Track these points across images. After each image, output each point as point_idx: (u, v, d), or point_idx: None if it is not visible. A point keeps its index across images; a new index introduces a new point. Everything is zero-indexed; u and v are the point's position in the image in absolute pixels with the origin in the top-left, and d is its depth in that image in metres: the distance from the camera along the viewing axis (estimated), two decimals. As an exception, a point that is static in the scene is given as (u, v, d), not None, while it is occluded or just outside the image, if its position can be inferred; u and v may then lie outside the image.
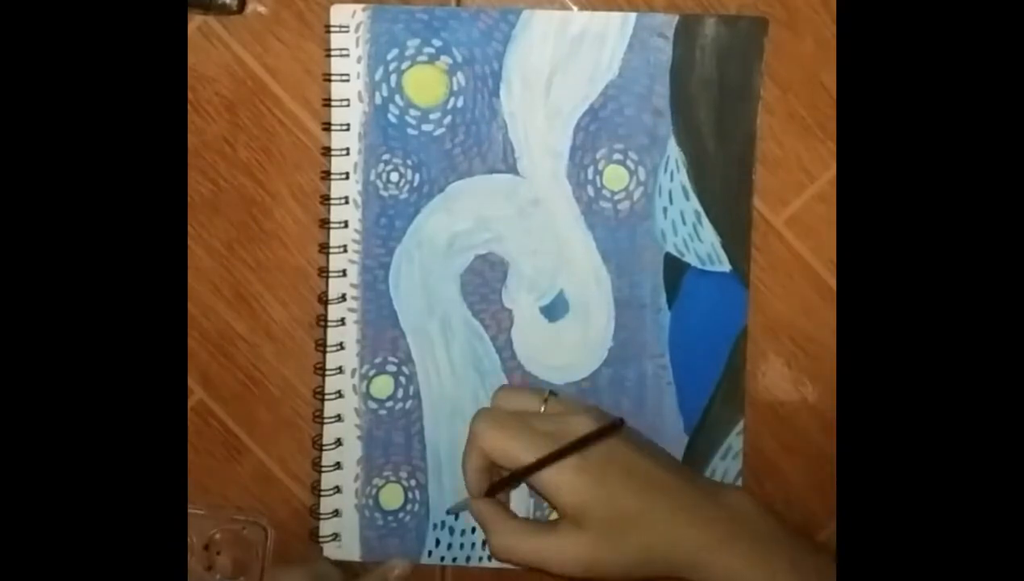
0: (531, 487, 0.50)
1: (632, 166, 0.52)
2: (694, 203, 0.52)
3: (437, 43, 0.52)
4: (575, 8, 0.52)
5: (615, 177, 0.52)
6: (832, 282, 0.52)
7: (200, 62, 0.52)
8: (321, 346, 0.52)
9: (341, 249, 0.52)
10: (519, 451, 0.47)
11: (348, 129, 0.52)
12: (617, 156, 0.52)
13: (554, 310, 0.53)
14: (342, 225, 0.52)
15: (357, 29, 0.51)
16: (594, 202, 0.52)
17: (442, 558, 0.53)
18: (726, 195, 0.52)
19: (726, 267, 0.52)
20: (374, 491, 0.53)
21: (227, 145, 0.52)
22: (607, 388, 0.52)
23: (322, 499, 0.53)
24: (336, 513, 0.53)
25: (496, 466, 0.49)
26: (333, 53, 0.52)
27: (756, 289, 0.52)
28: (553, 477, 0.46)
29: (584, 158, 0.52)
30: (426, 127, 0.52)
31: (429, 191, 0.52)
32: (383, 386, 0.53)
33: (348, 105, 0.52)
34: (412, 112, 0.52)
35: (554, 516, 0.50)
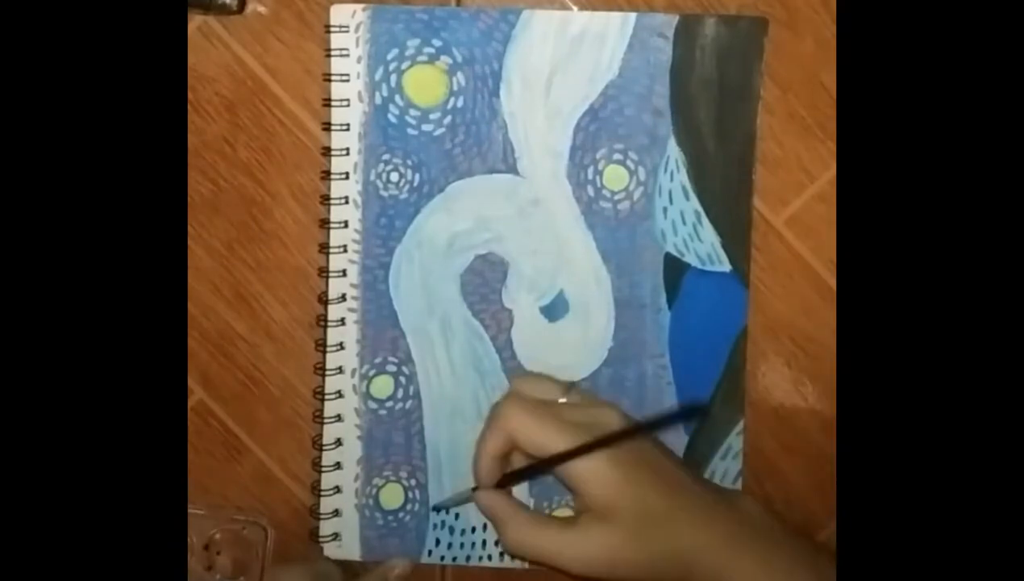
0: (557, 477, 0.48)
1: (632, 166, 0.52)
2: (694, 203, 0.52)
3: (437, 43, 0.52)
4: (575, 8, 0.52)
5: (615, 177, 0.52)
6: (832, 282, 0.52)
7: (200, 62, 0.52)
8: (321, 346, 0.52)
9: (341, 249, 0.52)
10: (551, 438, 0.46)
11: (348, 129, 0.52)
12: (617, 156, 0.52)
13: (554, 310, 0.53)
14: (342, 225, 0.52)
15: (357, 29, 0.51)
16: (594, 202, 0.52)
17: (442, 557, 0.53)
18: (726, 195, 0.52)
19: (726, 267, 0.52)
20: (374, 491, 0.53)
21: (227, 145, 0.52)
22: (607, 388, 0.52)
23: (322, 499, 0.53)
24: (336, 513, 0.53)
25: (509, 457, 0.48)
26: (333, 53, 0.52)
27: (756, 289, 0.52)
28: (586, 468, 0.45)
29: (584, 158, 0.52)
30: (426, 127, 0.52)
31: (429, 191, 0.52)
32: (383, 386, 0.53)
33: (348, 105, 0.52)
34: (412, 112, 0.52)
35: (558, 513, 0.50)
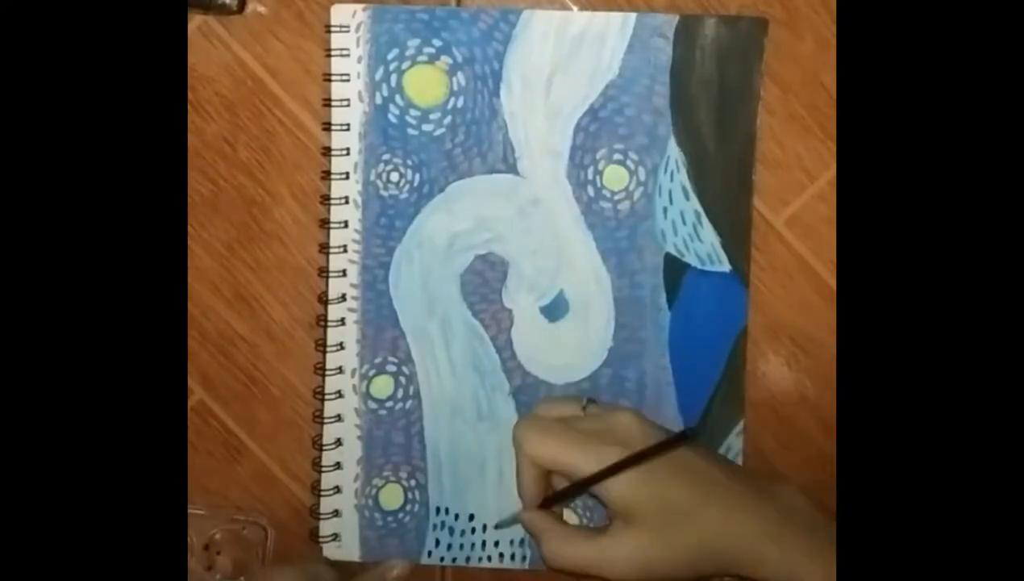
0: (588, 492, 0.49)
1: (632, 166, 0.52)
2: (694, 203, 0.52)
3: (437, 43, 0.52)
4: (575, 8, 0.52)
5: (615, 177, 0.52)
6: (832, 282, 0.52)
7: (200, 62, 0.52)
8: (321, 346, 0.52)
9: (341, 249, 0.52)
10: (568, 455, 0.47)
11: (348, 129, 0.52)
12: (617, 156, 0.52)
13: (554, 310, 0.53)
14: (342, 225, 0.52)
15: (357, 29, 0.52)
16: (594, 202, 0.52)
17: (442, 558, 0.53)
18: (726, 195, 0.52)
19: (726, 267, 0.52)
20: (374, 491, 0.53)
21: (227, 145, 0.52)
22: (607, 388, 0.52)
23: (322, 499, 0.53)
24: (336, 513, 0.53)
25: (549, 476, 0.49)
26: (333, 53, 0.52)
27: (756, 289, 0.52)
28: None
29: (584, 158, 0.52)
30: (426, 127, 0.52)
31: (429, 191, 0.52)
32: (383, 386, 0.53)
33: (348, 105, 0.52)
34: (412, 112, 0.52)
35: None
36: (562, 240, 0.52)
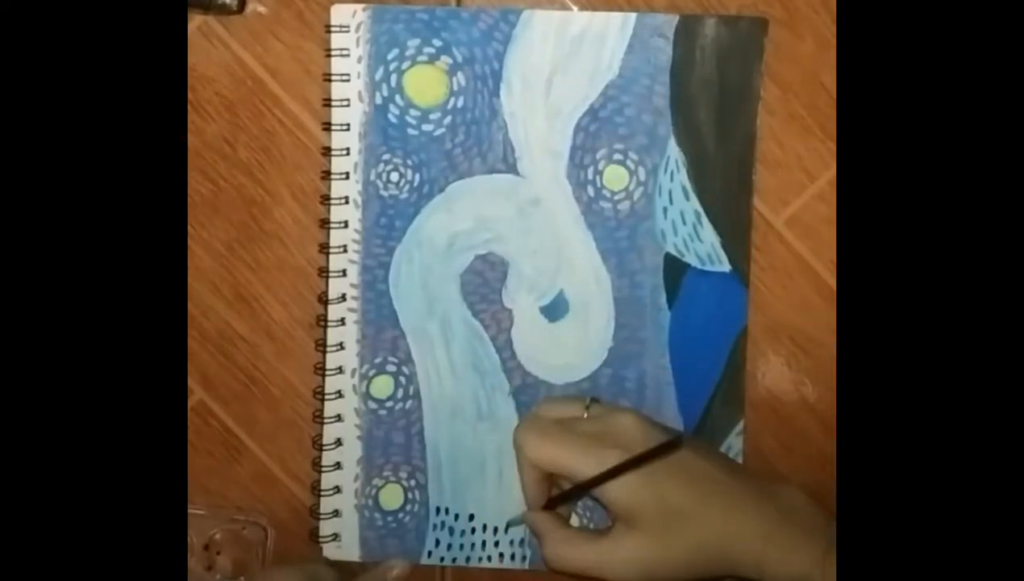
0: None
1: (632, 166, 0.52)
2: (694, 203, 0.52)
3: (437, 43, 0.52)
4: (575, 8, 0.52)
5: (615, 177, 0.52)
6: (832, 282, 0.52)
7: (200, 62, 0.52)
8: (321, 346, 0.52)
9: (341, 249, 0.52)
10: (567, 458, 0.47)
11: (348, 129, 0.52)
12: (617, 156, 0.52)
13: (554, 310, 0.53)
14: (342, 225, 0.52)
15: (357, 29, 0.52)
16: (594, 202, 0.52)
17: (441, 559, 0.53)
18: (726, 195, 0.52)
19: (726, 267, 0.52)
20: (374, 491, 0.53)
21: (227, 145, 0.52)
22: (607, 388, 0.52)
23: (322, 499, 0.53)
24: (336, 513, 0.53)
25: (552, 477, 0.49)
26: (333, 53, 0.52)
27: (756, 289, 0.52)
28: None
29: (584, 158, 0.52)
30: (426, 127, 0.52)
31: (429, 191, 0.52)
32: (383, 386, 0.53)
33: (348, 105, 0.52)
34: (412, 112, 0.52)
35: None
36: (562, 240, 0.52)
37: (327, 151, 0.52)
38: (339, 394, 0.52)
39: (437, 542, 0.53)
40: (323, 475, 0.52)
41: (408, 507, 0.53)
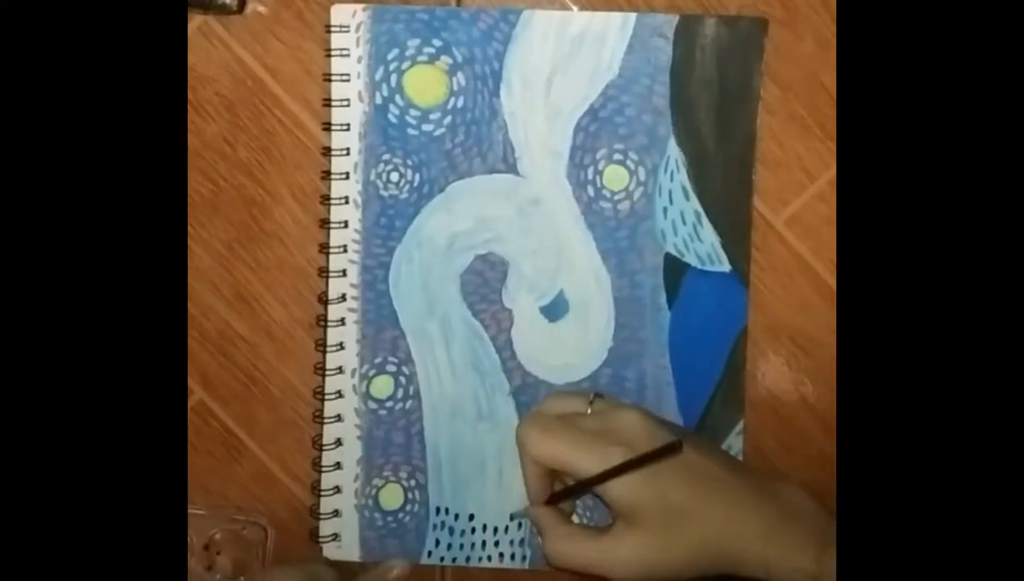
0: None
1: (632, 166, 0.52)
2: (694, 203, 0.52)
3: (437, 43, 0.52)
4: (575, 8, 0.52)
5: (615, 177, 0.52)
6: (832, 282, 0.52)
7: (200, 62, 0.52)
8: (321, 346, 0.52)
9: (341, 249, 0.52)
10: (570, 455, 0.47)
11: (348, 129, 0.52)
12: (617, 156, 0.52)
13: (554, 310, 0.53)
14: (342, 225, 0.52)
15: (357, 29, 0.52)
16: (594, 202, 0.52)
17: (441, 558, 0.53)
18: (726, 195, 0.52)
19: (726, 267, 0.52)
20: (374, 491, 0.53)
21: (227, 145, 0.52)
22: (607, 388, 0.52)
23: (322, 499, 0.53)
24: (336, 513, 0.53)
25: (555, 473, 0.49)
26: (333, 53, 0.52)
27: (756, 289, 0.52)
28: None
29: (584, 158, 0.52)
30: (426, 127, 0.52)
31: (429, 191, 0.52)
32: (383, 386, 0.53)
33: (348, 105, 0.52)
34: (412, 112, 0.52)
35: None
36: (562, 240, 0.52)
37: (327, 151, 0.52)
38: (339, 394, 0.52)
39: (437, 542, 0.53)
40: (323, 475, 0.52)
41: (408, 507, 0.53)
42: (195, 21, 0.52)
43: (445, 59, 0.52)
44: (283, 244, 0.53)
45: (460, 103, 0.52)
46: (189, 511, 0.52)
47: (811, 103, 0.52)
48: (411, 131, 0.52)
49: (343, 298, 0.52)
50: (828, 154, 0.52)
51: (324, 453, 0.53)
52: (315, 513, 0.53)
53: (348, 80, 0.52)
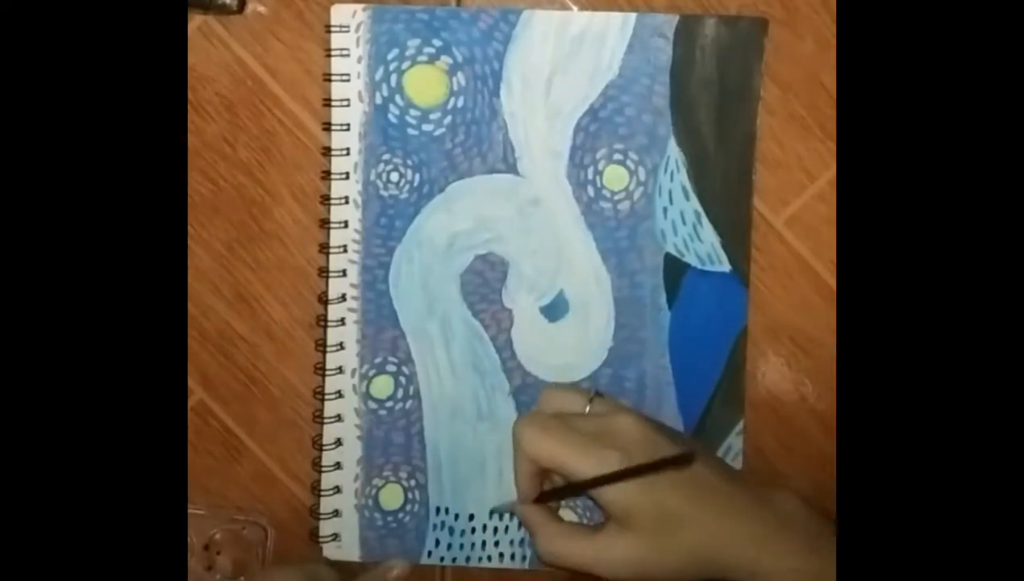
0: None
1: (632, 166, 0.52)
2: (694, 203, 0.52)
3: (437, 43, 0.52)
4: (575, 8, 0.52)
5: (615, 177, 0.52)
6: (832, 282, 0.52)
7: (200, 62, 0.52)
8: (321, 346, 0.52)
9: (341, 249, 0.52)
10: (566, 456, 0.47)
11: (348, 129, 0.52)
12: (617, 156, 0.52)
13: (554, 310, 0.53)
14: (342, 225, 0.52)
15: (357, 29, 0.52)
16: (594, 202, 0.52)
17: (442, 558, 0.53)
18: (726, 195, 0.52)
19: (726, 267, 0.52)
20: (374, 491, 0.53)
21: (227, 145, 0.52)
22: (607, 388, 0.52)
23: (322, 499, 0.53)
24: (336, 513, 0.53)
25: (547, 472, 0.49)
26: (333, 53, 0.52)
27: (756, 289, 0.52)
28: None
29: (584, 158, 0.52)
30: (426, 127, 0.52)
31: (429, 191, 0.52)
32: (383, 386, 0.53)
33: (348, 105, 0.52)
34: (412, 112, 0.52)
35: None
36: (562, 240, 0.52)
37: (327, 151, 0.52)
38: (339, 394, 0.52)
39: (437, 542, 0.53)
40: (323, 475, 0.52)
41: (408, 507, 0.53)
42: (195, 21, 0.52)
43: (445, 59, 0.52)
44: (283, 244, 0.53)
45: (460, 103, 0.52)
46: (189, 511, 0.52)
47: (811, 103, 0.52)
48: (411, 131, 0.52)
49: (343, 298, 0.52)
50: (828, 154, 0.52)
51: (324, 453, 0.53)
52: (315, 513, 0.53)
53: (348, 80, 0.52)
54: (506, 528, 0.53)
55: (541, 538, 0.48)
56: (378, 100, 0.52)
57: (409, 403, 0.53)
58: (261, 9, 0.52)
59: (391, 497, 0.53)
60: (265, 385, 0.53)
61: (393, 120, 0.52)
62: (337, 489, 0.53)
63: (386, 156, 0.52)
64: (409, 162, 0.52)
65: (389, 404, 0.53)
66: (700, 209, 0.52)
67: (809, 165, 0.52)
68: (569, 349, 0.53)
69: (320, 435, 0.53)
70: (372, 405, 0.53)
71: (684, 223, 0.52)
